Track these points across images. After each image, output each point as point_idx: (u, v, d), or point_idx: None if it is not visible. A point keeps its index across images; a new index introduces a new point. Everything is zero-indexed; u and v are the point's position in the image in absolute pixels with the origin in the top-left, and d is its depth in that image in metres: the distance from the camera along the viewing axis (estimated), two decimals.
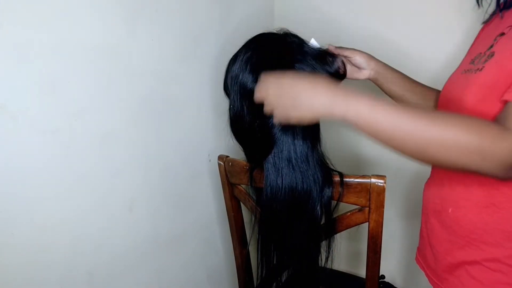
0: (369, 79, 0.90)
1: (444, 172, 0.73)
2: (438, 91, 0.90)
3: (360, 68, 0.89)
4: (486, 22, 0.76)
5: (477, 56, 0.68)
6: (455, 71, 0.76)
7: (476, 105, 0.63)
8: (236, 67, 0.82)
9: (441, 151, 0.55)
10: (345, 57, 0.88)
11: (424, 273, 0.83)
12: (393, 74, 0.89)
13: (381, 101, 0.57)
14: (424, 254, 0.82)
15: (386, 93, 0.92)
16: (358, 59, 0.88)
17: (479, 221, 0.67)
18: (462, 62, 0.77)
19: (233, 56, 0.86)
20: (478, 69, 0.65)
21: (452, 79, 0.75)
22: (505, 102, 0.57)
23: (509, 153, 0.53)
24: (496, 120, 0.58)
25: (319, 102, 0.60)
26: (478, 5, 0.75)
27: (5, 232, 0.64)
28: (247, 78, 0.79)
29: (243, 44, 0.85)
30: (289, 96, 0.62)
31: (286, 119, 0.64)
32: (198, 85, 0.99)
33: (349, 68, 0.90)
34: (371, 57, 0.89)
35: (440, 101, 0.77)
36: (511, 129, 0.54)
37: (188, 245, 1.06)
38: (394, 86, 0.89)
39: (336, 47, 0.87)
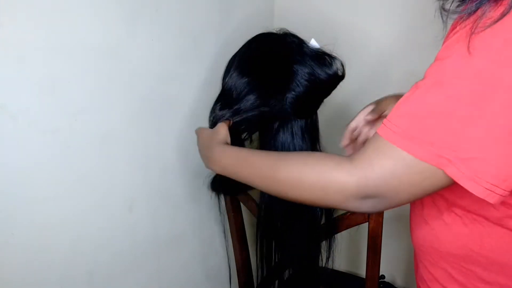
0: None
1: None
2: None
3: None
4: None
5: None
6: None
7: None
8: (235, 67, 0.82)
9: (288, 191, 0.58)
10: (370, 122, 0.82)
11: None
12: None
13: (227, 163, 0.69)
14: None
15: None
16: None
17: (420, 237, 0.64)
18: None
19: (233, 56, 0.86)
20: None
21: None
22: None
23: (347, 184, 0.50)
24: None
25: (204, 158, 0.78)
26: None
27: (5, 232, 0.64)
28: (245, 78, 0.79)
29: (243, 44, 0.85)
30: (201, 154, 0.79)
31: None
32: (198, 85, 0.99)
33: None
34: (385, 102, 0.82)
35: None
36: (353, 160, 0.51)
37: (188, 245, 1.06)
38: None
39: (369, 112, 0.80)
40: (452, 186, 0.47)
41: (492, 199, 0.44)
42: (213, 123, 0.84)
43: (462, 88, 0.44)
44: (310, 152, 0.61)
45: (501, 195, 0.44)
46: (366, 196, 0.50)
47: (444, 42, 0.51)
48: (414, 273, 0.71)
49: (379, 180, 0.48)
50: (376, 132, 0.50)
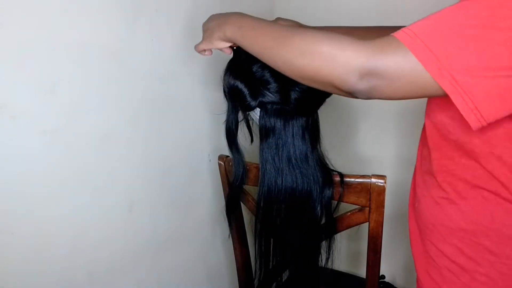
0: None
1: (417, 166, 0.73)
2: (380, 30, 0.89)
3: None
4: None
5: None
6: None
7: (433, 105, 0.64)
8: (235, 67, 0.82)
9: (298, 56, 0.60)
10: None
11: None
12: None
13: (246, 23, 0.70)
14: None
15: None
16: None
17: (430, 216, 0.67)
18: None
19: (232, 57, 0.86)
20: None
21: None
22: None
23: (355, 57, 0.54)
24: None
25: (215, 25, 0.75)
26: None
27: (5, 232, 0.64)
28: (244, 78, 0.79)
29: None
30: (212, 23, 0.76)
31: (208, 39, 0.76)
32: (198, 85, 0.99)
33: None
34: (300, 26, 0.87)
35: None
36: (366, 42, 0.55)
37: (188, 245, 1.06)
38: None
39: None
40: (466, 163, 0.56)
41: (473, 122, 0.49)
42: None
43: (477, 11, 0.48)
44: (329, 31, 0.62)
45: (480, 122, 0.49)
46: (366, 73, 0.53)
47: None
48: (413, 254, 0.74)
49: (384, 65, 0.52)
50: (390, 34, 0.54)
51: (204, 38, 0.77)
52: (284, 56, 0.62)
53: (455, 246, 0.64)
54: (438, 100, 0.60)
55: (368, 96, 0.56)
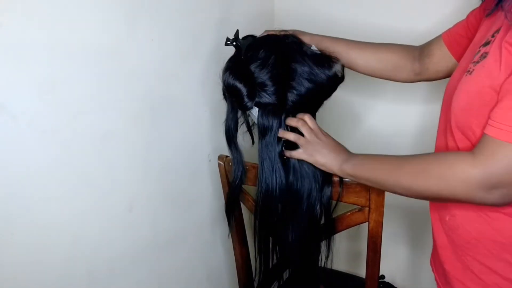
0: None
1: None
2: (393, 49, 0.90)
3: None
4: (489, 16, 0.71)
5: (476, 53, 0.65)
6: (458, 68, 0.73)
7: (461, 111, 0.65)
8: (234, 66, 0.82)
9: (413, 184, 0.64)
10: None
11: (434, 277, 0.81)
12: (338, 43, 0.89)
13: (366, 159, 0.75)
14: (434, 258, 0.81)
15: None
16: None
17: (474, 230, 0.66)
18: (465, 57, 0.74)
19: (232, 56, 0.86)
20: (469, 71, 0.64)
21: (453, 76, 0.72)
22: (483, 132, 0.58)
23: (471, 174, 0.55)
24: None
25: (330, 164, 0.79)
26: None
27: (5, 232, 0.64)
28: (242, 78, 0.79)
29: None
30: (315, 148, 0.80)
31: (307, 156, 0.80)
32: (198, 85, 0.99)
33: None
34: (302, 33, 0.88)
35: (444, 99, 0.75)
36: (474, 154, 0.56)
37: (188, 245, 1.06)
38: (337, 48, 0.88)
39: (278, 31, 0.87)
40: None
41: None
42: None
43: None
44: (423, 158, 0.66)
45: None
46: (491, 187, 0.55)
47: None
48: (447, 270, 0.73)
49: (502, 171, 0.54)
50: (485, 134, 0.56)
51: (310, 153, 0.79)
52: (404, 185, 0.66)
53: (507, 262, 0.63)
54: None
55: (508, 202, 0.58)
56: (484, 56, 0.62)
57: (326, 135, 0.82)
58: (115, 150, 0.79)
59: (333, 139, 0.82)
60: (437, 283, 0.79)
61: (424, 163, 0.63)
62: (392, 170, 0.68)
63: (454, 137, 0.66)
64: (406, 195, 0.68)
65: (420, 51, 0.88)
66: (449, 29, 0.83)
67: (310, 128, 0.80)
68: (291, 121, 0.80)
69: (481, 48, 0.64)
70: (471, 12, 0.78)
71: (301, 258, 0.89)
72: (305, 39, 0.86)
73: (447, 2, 1.04)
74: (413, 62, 0.88)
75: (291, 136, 0.80)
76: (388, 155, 0.72)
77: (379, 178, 0.71)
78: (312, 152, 0.79)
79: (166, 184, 0.95)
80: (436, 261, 0.79)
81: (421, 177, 0.62)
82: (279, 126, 0.80)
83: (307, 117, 0.81)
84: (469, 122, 0.62)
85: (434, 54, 0.84)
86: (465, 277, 0.69)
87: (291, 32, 0.87)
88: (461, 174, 0.57)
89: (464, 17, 0.81)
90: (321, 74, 0.78)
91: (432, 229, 0.78)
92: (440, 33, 0.85)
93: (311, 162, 0.79)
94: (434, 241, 0.77)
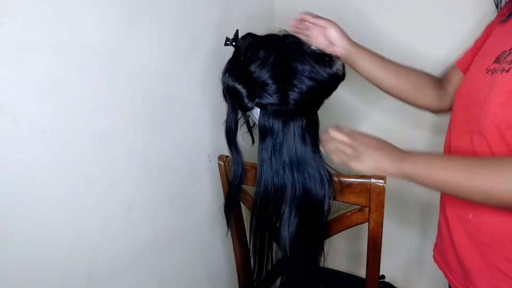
0: (340, 56, 0.87)
1: None
2: (418, 71, 0.90)
3: (333, 44, 0.87)
4: (503, 23, 0.72)
5: (501, 54, 0.65)
6: (475, 69, 0.73)
7: (501, 108, 0.62)
8: (233, 67, 0.82)
9: (489, 199, 0.59)
10: (320, 27, 0.87)
11: (443, 273, 0.81)
12: (365, 53, 0.88)
13: (432, 159, 0.67)
14: (444, 254, 0.80)
15: (358, 72, 0.90)
16: (333, 33, 0.86)
17: (503, 228, 0.65)
18: (479, 60, 0.74)
19: (231, 58, 0.86)
20: (504, 69, 0.63)
21: (475, 78, 0.72)
22: None
23: None
24: None
25: (382, 165, 0.69)
26: (497, 8, 0.74)
27: (5, 232, 0.64)
28: (242, 79, 0.79)
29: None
30: (355, 150, 0.72)
31: (344, 163, 0.73)
32: (198, 85, 0.99)
33: (322, 40, 0.88)
34: (344, 34, 0.87)
35: (461, 101, 0.74)
36: None
37: (188, 245, 1.06)
38: (366, 64, 0.88)
39: (313, 16, 0.87)
40: None
41: None
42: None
43: None
44: (502, 159, 0.60)
45: None
46: None
47: None
48: (468, 268, 0.71)
49: None
50: None
51: (353, 156, 0.72)
52: (481, 189, 0.59)
53: None
54: None
55: None
56: None
57: (363, 134, 0.74)
58: (115, 150, 0.79)
59: (373, 137, 0.74)
60: (449, 280, 0.78)
61: (500, 179, 0.57)
62: (468, 172, 0.60)
63: (487, 139, 0.64)
64: (482, 203, 0.62)
65: (438, 79, 0.91)
66: (460, 57, 0.86)
67: (342, 139, 0.74)
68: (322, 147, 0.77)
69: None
70: (478, 39, 0.81)
71: (297, 259, 0.89)
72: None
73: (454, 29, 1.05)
74: (436, 86, 0.89)
75: (334, 158, 0.75)
76: (454, 156, 0.66)
77: (453, 181, 0.62)
78: (354, 156, 0.72)
79: (166, 184, 0.95)
80: (448, 259, 0.78)
81: (492, 198, 0.58)
82: (282, 128, 0.80)
83: (331, 131, 0.75)
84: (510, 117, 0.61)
85: (453, 79, 0.86)
86: (490, 274, 0.68)
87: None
88: None
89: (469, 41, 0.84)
90: (322, 72, 0.78)
91: (447, 227, 0.77)
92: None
93: (363, 171, 0.71)
94: (449, 239, 0.76)
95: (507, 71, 0.62)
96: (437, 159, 0.67)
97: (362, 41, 0.91)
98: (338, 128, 0.75)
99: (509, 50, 0.64)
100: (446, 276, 0.80)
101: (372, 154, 0.70)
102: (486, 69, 0.68)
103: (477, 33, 0.82)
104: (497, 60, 0.66)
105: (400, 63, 0.91)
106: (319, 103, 0.84)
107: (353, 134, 0.74)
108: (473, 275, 0.71)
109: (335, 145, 0.74)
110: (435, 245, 0.86)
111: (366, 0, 1.17)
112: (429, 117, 0.97)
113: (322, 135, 0.78)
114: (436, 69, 0.94)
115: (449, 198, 0.76)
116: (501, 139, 0.62)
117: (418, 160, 0.67)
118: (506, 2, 0.73)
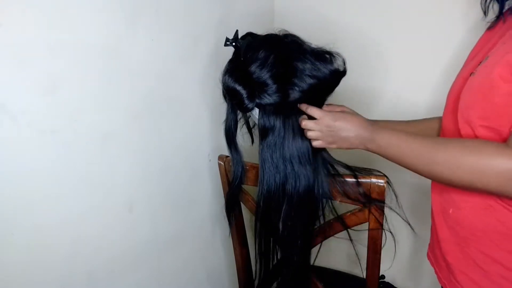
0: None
1: None
2: (427, 120, 0.90)
3: None
4: (490, 28, 0.76)
5: (484, 60, 0.69)
6: (461, 72, 0.76)
7: (468, 108, 0.66)
8: (233, 68, 0.82)
9: (444, 172, 0.62)
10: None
11: (433, 270, 0.83)
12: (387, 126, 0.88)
13: (400, 133, 0.72)
14: (434, 251, 0.82)
15: None
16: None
17: (479, 222, 0.67)
18: (467, 63, 0.77)
19: (231, 59, 0.86)
20: (473, 73, 0.67)
21: (460, 80, 0.75)
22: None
23: (509, 166, 0.55)
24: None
25: (354, 145, 0.76)
26: (485, 14, 0.75)
27: (5, 232, 0.64)
28: (242, 80, 0.79)
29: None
30: (331, 134, 0.76)
31: (326, 146, 0.79)
32: (198, 85, 0.99)
33: None
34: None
35: (448, 105, 0.77)
36: (510, 146, 0.57)
37: (188, 245, 1.06)
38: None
39: (326, 105, 0.85)
40: None
41: None
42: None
43: None
44: (467, 138, 0.65)
45: None
46: None
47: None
48: (449, 262, 0.74)
49: None
50: None
51: (329, 141, 0.77)
52: (435, 173, 0.65)
53: (510, 252, 0.64)
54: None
55: None
56: (486, 59, 0.66)
57: (337, 116, 0.77)
58: (115, 150, 0.79)
59: (346, 118, 0.77)
60: (438, 276, 0.80)
61: (458, 154, 0.61)
62: (422, 156, 0.66)
63: (464, 137, 0.68)
64: (434, 180, 0.70)
65: None
66: None
67: (314, 122, 0.77)
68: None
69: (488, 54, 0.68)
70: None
71: (298, 258, 0.89)
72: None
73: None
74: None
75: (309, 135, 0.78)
76: (415, 135, 0.70)
77: (409, 162, 0.69)
78: (330, 141, 0.77)
79: (166, 184, 0.95)
80: (437, 254, 0.80)
81: (454, 168, 0.61)
82: (283, 127, 0.80)
83: (304, 107, 0.78)
84: (471, 116, 0.64)
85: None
86: (468, 268, 0.70)
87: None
88: (498, 167, 0.56)
89: None
90: (324, 69, 0.78)
91: (433, 223, 0.79)
92: None
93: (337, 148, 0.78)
94: (436, 234, 0.78)
95: (474, 74, 0.66)
96: (397, 139, 0.71)
97: (357, 39, 0.91)
98: (311, 108, 0.78)
99: (487, 55, 0.68)
100: (435, 272, 0.82)
101: (344, 137, 0.76)
102: (471, 72, 0.71)
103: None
104: (480, 64, 0.69)
105: (420, 119, 0.91)
106: (321, 101, 0.84)
107: (323, 118, 0.77)
108: (454, 269, 0.73)
109: (310, 134, 0.78)
110: (429, 243, 0.87)
111: (365, 1, 1.17)
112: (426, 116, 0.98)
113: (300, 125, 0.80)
114: (435, 76, 0.93)
115: (435, 194, 0.78)
116: (475, 136, 0.65)
117: (381, 142, 0.73)
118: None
